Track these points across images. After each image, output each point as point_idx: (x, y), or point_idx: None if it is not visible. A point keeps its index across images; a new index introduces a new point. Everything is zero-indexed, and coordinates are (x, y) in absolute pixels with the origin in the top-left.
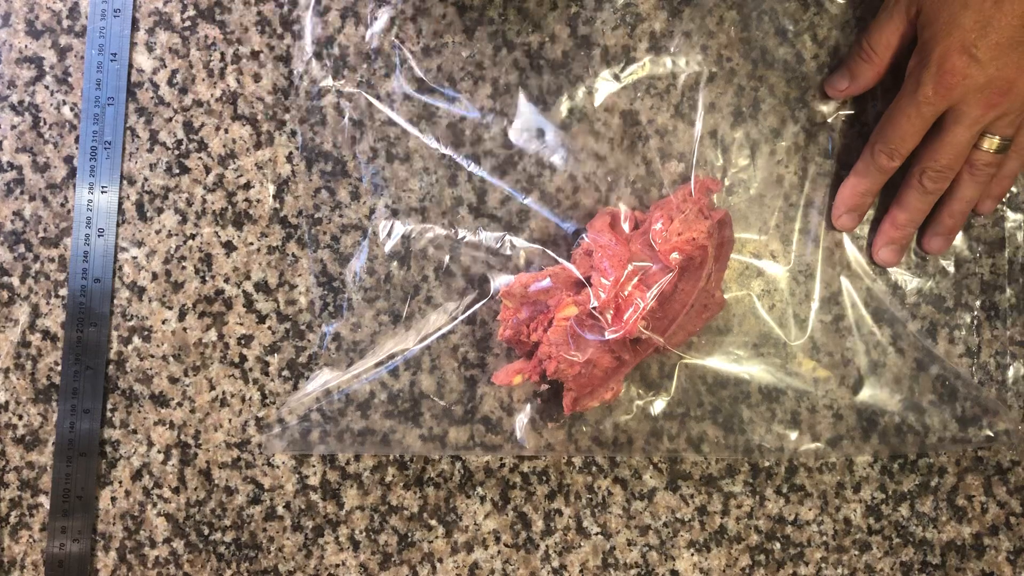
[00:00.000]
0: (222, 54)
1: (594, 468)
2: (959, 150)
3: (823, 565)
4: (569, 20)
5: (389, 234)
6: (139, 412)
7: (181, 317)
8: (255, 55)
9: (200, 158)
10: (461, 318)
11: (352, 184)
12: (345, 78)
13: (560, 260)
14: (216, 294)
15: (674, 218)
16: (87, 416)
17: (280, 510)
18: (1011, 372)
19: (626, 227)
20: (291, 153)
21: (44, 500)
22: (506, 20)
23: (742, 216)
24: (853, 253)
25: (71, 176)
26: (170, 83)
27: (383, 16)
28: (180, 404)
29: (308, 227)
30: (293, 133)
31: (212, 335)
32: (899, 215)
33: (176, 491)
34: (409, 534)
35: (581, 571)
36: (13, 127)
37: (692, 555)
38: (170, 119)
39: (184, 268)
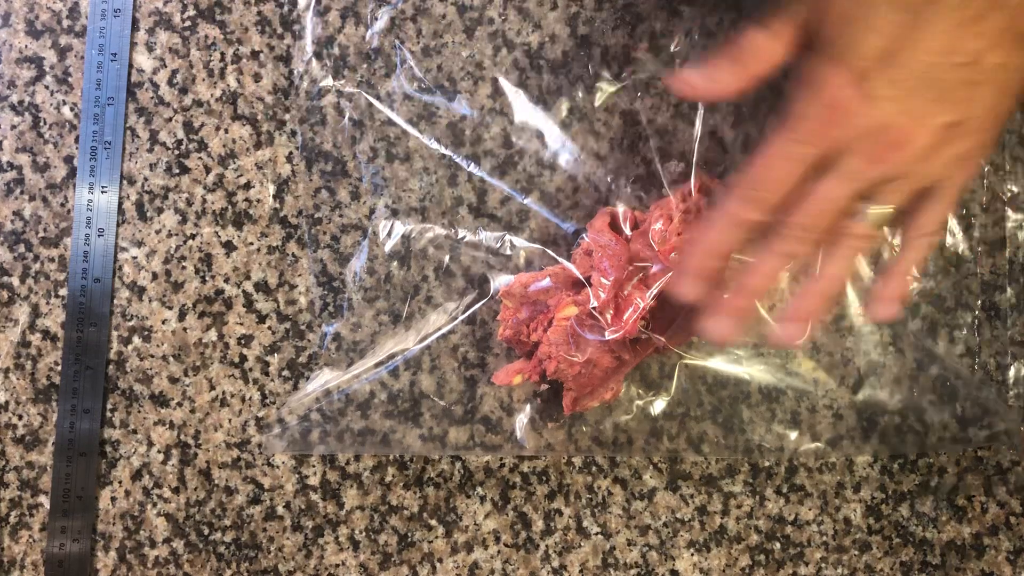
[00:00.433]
0: (222, 54)
1: (594, 468)
2: (826, 208)
3: (823, 565)
4: (569, 20)
5: (389, 234)
6: (139, 412)
7: (181, 317)
8: (255, 55)
9: (200, 158)
10: (461, 318)
11: (352, 184)
12: (345, 78)
13: (560, 260)
14: (216, 294)
15: (674, 218)
16: (87, 416)
17: (280, 510)
18: (1011, 372)
19: (626, 227)
20: (291, 153)
21: (44, 500)
22: (506, 20)
23: None
24: None
25: (71, 176)
26: (170, 83)
27: (383, 16)
28: (180, 404)
29: (308, 227)
30: (293, 133)
31: (212, 335)
32: (745, 279)
33: (176, 491)
34: (409, 534)
35: (581, 571)
36: (13, 127)
37: (692, 555)
38: (170, 119)
39: (184, 268)
